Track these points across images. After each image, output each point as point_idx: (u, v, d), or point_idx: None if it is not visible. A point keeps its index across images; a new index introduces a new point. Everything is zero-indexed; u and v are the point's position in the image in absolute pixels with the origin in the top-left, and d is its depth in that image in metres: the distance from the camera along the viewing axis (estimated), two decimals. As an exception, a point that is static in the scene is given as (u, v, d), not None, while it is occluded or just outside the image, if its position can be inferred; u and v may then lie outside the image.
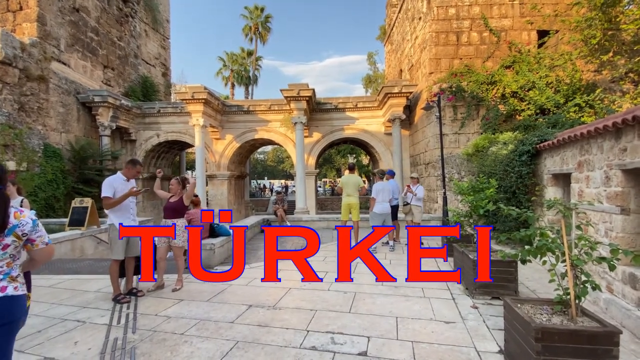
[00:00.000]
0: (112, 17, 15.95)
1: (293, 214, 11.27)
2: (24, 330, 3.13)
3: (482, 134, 10.12)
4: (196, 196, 6.18)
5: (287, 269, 5.16)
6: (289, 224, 9.71)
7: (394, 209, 6.85)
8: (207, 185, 15.06)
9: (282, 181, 50.85)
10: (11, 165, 9.98)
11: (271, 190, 41.00)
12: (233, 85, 35.39)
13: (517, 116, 10.06)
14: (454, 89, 10.54)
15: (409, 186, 7.12)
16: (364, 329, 3.05)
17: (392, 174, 7.18)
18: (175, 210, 4.34)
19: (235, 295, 4.03)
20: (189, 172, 26.06)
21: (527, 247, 2.63)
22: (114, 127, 14.06)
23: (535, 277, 4.54)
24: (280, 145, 16.39)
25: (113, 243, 3.91)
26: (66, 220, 7.63)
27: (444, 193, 8.15)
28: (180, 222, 4.37)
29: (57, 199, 11.34)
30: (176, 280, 4.36)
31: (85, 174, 12.29)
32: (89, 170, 12.44)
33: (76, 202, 7.61)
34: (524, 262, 2.72)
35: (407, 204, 7.01)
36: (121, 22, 16.60)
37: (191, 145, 15.88)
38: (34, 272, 4.50)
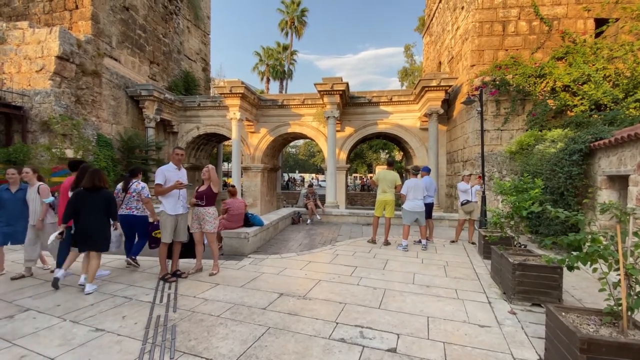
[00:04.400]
0: (158, 15, 16.83)
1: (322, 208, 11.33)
2: (78, 302, 3.48)
3: (527, 130, 9.48)
4: (233, 186, 6.44)
5: (317, 261, 5.23)
6: (319, 217, 9.80)
7: (429, 207, 6.66)
8: (242, 176, 15.57)
9: (314, 175, 51.27)
10: (69, 153, 10.98)
11: (292, 180, 41.60)
12: (268, 80, 36.05)
13: (568, 112, 9.29)
14: (497, 82, 9.94)
15: (480, 177, 6.81)
16: (393, 325, 3.02)
17: (427, 171, 6.97)
18: (206, 197, 4.52)
19: (267, 283, 4.16)
20: (225, 163, 27.07)
21: (575, 252, 2.45)
22: (158, 120, 14.93)
23: (582, 286, 4.22)
24: (312, 139, 16.49)
25: (163, 228, 4.20)
26: (115, 205, 8.25)
27: (483, 192, 7.76)
28: (212, 210, 4.55)
29: (109, 185, 12.32)
30: (212, 265, 4.59)
31: (132, 163, 13.19)
32: (136, 159, 13.34)
33: (124, 189, 8.20)
34: (570, 268, 2.54)
35: (468, 201, 6.64)
36: (166, 19, 17.46)
37: (228, 138, 16.46)
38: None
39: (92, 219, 3.87)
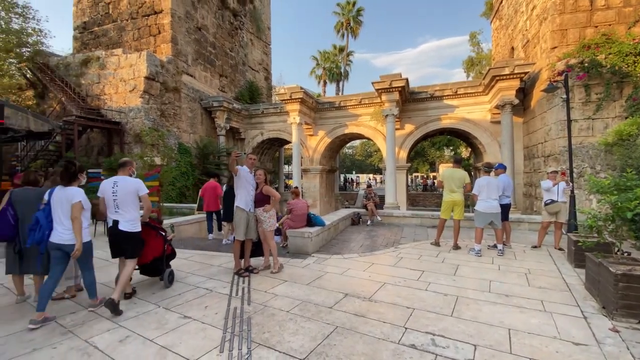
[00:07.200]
0: (225, 31, 18.30)
1: (382, 209, 11.10)
2: (169, 292, 3.93)
3: (627, 118, 8.07)
4: (296, 187, 6.70)
5: (380, 263, 5.14)
6: (379, 218, 9.61)
7: (505, 208, 6.07)
8: (301, 178, 16.07)
9: (371, 175, 50.51)
10: (157, 160, 12.54)
11: (349, 181, 41.39)
12: (325, 83, 36.61)
13: (685, 93, 7.67)
14: (586, 64, 8.65)
15: (564, 174, 6.14)
16: (469, 335, 2.82)
17: (503, 168, 6.35)
18: (259, 201, 4.71)
19: (332, 283, 4.22)
20: (286, 166, 28.24)
21: None
22: (228, 128, 16.25)
23: None
24: (370, 139, 16.27)
25: (237, 226, 4.57)
26: (194, 205, 9.21)
27: (572, 191, 6.80)
28: (269, 209, 4.71)
29: (188, 188, 13.78)
30: (273, 264, 4.79)
31: (207, 168, 14.56)
32: (210, 165, 14.69)
33: (201, 191, 9.09)
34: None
35: (554, 201, 5.93)
36: (232, 34, 18.90)
37: (289, 142, 17.17)
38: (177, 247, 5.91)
39: (226, 204, 5.36)
